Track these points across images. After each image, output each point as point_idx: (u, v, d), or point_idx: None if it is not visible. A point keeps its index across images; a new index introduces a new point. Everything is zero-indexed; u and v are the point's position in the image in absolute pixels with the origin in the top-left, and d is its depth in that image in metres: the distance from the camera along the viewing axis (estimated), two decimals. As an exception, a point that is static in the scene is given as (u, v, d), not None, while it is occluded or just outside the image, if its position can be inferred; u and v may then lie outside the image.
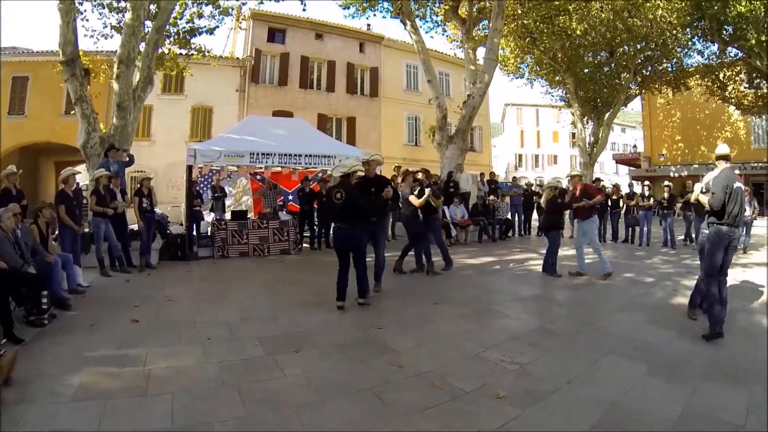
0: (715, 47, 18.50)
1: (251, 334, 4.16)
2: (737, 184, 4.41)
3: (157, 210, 8.64)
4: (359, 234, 5.25)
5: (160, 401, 2.78)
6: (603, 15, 17.28)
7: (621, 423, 2.67)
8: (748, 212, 10.43)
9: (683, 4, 16.05)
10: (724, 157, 4.64)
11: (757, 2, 13.28)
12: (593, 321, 4.83)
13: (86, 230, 7.09)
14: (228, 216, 10.48)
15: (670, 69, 20.44)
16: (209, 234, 9.67)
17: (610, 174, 43.83)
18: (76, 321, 4.49)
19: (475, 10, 14.54)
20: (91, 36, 11.46)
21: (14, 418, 2.56)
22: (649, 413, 2.78)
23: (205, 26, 11.95)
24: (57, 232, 6.27)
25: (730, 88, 20.20)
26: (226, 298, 5.66)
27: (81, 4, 10.62)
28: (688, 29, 17.58)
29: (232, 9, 13.00)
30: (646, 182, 12.69)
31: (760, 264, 8.96)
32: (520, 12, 16.32)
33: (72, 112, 9.57)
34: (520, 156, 52.05)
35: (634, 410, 2.82)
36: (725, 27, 16.01)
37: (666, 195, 11.50)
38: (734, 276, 7.49)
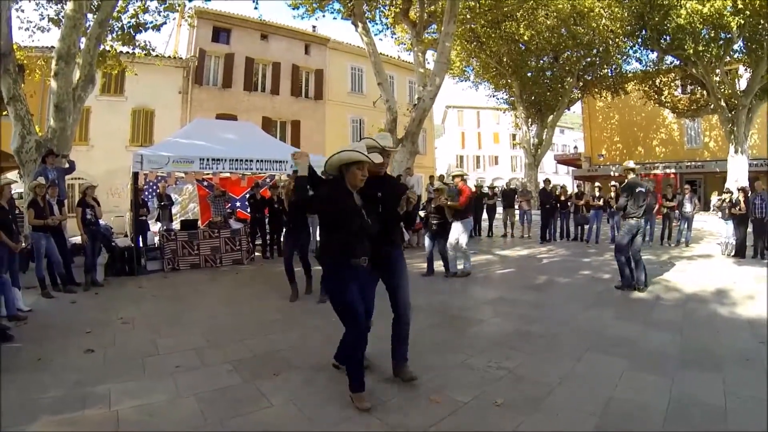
0: (653, 55, 19.76)
1: (222, 358, 3.82)
2: (639, 189, 6.29)
3: (101, 221, 7.99)
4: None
5: (137, 449, 2.43)
6: (549, 22, 17.97)
7: (623, 418, 2.76)
8: (689, 208, 11.13)
9: (626, 15, 16.97)
10: (631, 170, 6.51)
11: (696, 16, 14.20)
12: (565, 319, 4.96)
13: (23, 245, 6.38)
14: (177, 226, 9.92)
15: (610, 74, 21.64)
16: (157, 245, 9.09)
17: (550, 174, 45.67)
18: (21, 355, 3.90)
19: (425, 13, 14.59)
20: (27, 28, 10.48)
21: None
22: (643, 405, 2.91)
23: (151, 22, 11.21)
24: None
25: (665, 93, 21.57)
26: (186, 318, 5.24)
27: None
28: (629, 38, 18.63)
29: (178, 5, 12.31)
30: (597, 183, 13.24)
31: (703, 256, 9.58)
32: (468, 16, 16.59)
33: (4, 113, 8.68)
34: (462, 157, 53.09)
35: (628, 404, 2.93)
36: (664, 37, 17.03)
37: (613, 194, 12.02)
38: (682, 268, 8.11)
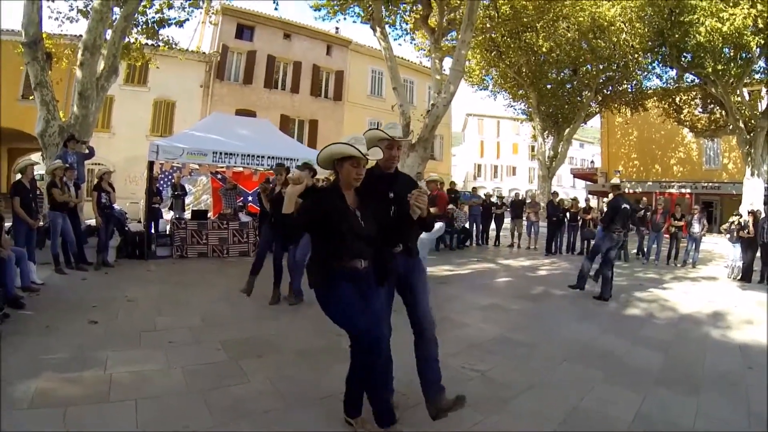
0: (673, 72, 19.61)
1: (213, 338, 4.10)
2: (624, 206, 6.77)
3: (116, 206, 8.35)
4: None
5: (123, 408, 2.70)
6: (569, 34, 17.95)
7: (582, 428, 2.84)
8: (697, 229, 11.06)
9: (646, 30, 16.91)
10: (617, 187, 6.98)
11: (715, 34, 14.11)
12: (553, 330, 5.01)
13: (41, 224, 6.76)
14: (188, 215, 10.26)
15: (629, 90, 21.51)
16: (168, 233, 9.43)
17: (567, 187, 45.28)
18: (31, 322, 4.26)
19: (444, 20, 14.75)
20: (56, 18, 10.93)
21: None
22: (606, 417, 2.97)
23: (174, 18, 11.61)
24: (10, 225, 5.97)
25: (685, 111, 21.35)
26: (188, 302, 5.51)
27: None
28: (649, 54, 18.56)
29: (203, 2, 12.70)
30: (605, 199, 13.24)
31: (708, 278, 9.56)
32: (488, 26, 16.71)
33: (30, 97, 9.08)
34: (480, 166, 52.85)
35: (592, 415, 2.99)
36: (684, 54, 16.99)
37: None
38: (684, 289, 8.05)
